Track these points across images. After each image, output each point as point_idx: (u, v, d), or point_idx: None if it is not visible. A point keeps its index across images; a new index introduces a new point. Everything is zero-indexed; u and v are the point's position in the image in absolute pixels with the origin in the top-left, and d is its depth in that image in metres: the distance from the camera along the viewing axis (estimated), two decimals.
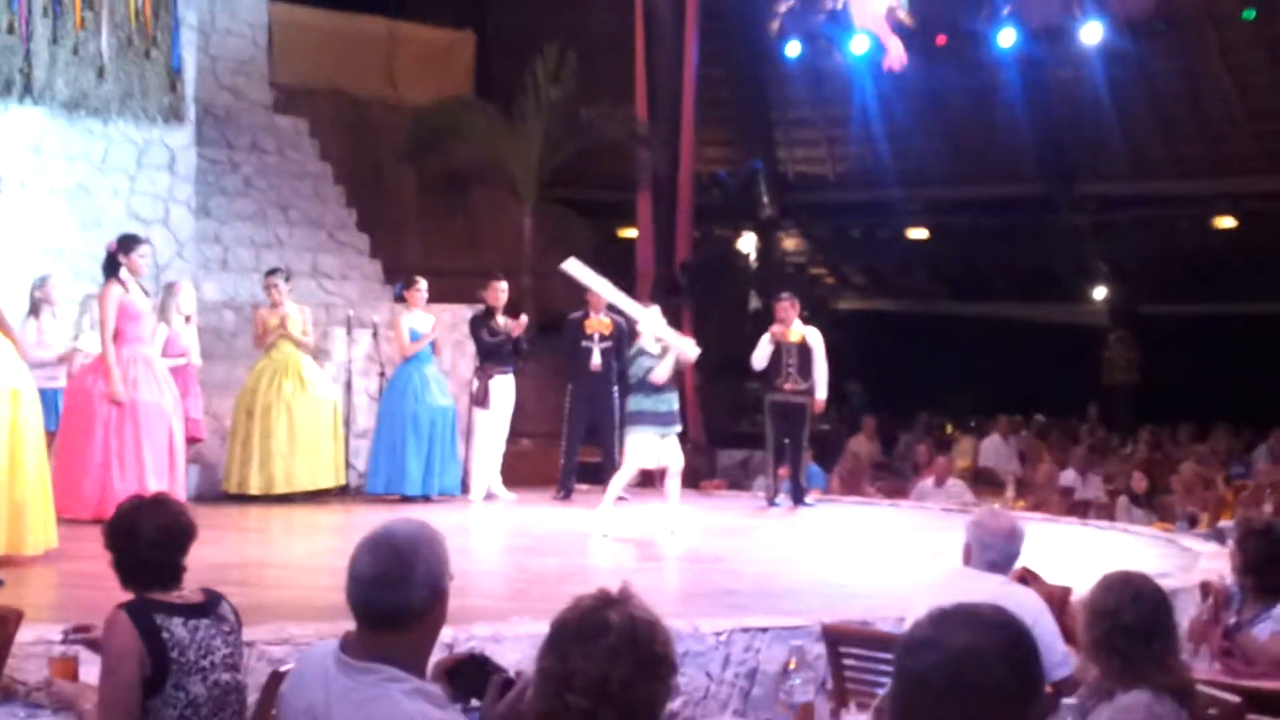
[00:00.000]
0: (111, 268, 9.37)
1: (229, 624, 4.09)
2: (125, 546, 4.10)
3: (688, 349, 9.87)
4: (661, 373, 9.54)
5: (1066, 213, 21.74)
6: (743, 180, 22.22)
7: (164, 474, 9.35)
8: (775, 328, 12.06)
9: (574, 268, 10.34)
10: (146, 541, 4.07)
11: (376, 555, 3.07)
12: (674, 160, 18.12)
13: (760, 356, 11.97)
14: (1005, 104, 21.16)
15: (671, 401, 9.72)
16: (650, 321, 9.83)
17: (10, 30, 12.05)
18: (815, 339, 12.10)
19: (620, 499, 11.62)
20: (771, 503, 12.21)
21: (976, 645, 2.21)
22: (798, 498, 12.12)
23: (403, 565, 3.05)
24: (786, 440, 12.15)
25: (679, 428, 9.85)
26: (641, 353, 9.74)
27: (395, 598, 3.04)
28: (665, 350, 9.63)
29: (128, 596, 4.06)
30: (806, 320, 12.42)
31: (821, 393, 12.06)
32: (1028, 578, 5.54)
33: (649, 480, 12.93)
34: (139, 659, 3.88)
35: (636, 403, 9.72)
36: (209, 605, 4.07)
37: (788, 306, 12.12)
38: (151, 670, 3.89)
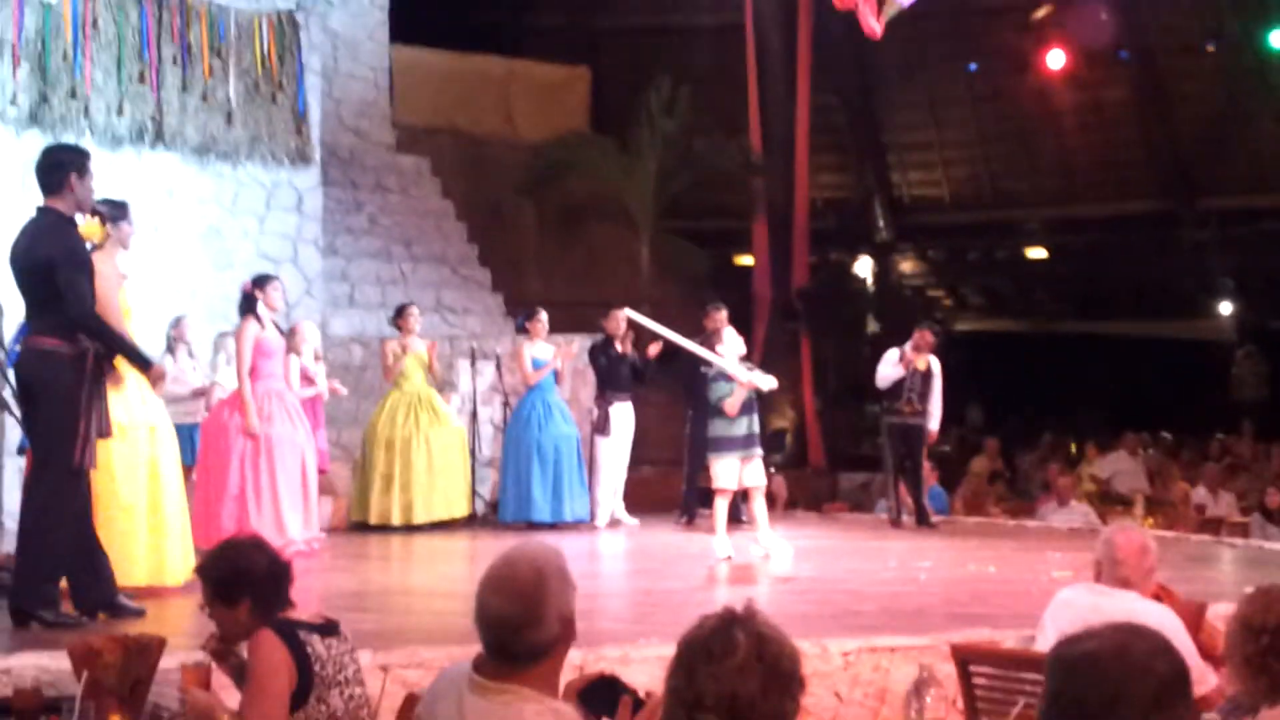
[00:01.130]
0: (248, 305, 9.66)
1: (349, 644, 4.23)
2: (249, 569, 4.23)
3: (762, 383, 9.85)
4: (732, 404, 9.59)
5: (1189, 228, 21.37)
6: (858, 204, 22.20)
7: (298, 506, 9.59)
8: (909, 353, 11.99)
9: (635, 315, 10.46)
10: (270, 571, 4.24)
11: (504, 597, 3.10)
12: (789, 187, 18.17)
13: (887, 376, 11.94)
14: (1123, 120, 20.91)
15: (749, 424, 9.73)
16: (725, 360, 9.86)
17: (141, 79, 12.47)
18: (936, 368, 12.11)
19: (739, 522, 11.70)
20: (895, 524, 12.16)
21: (1133, 643, 2.29)
22: (922, 518, 12.07)
23: (531, 605, 3.08)
24: (907, 462, 12.12)
25: (759, 450, 9.86)
26: (719, 377, 9.79)
27: (528, 637, 3.08)
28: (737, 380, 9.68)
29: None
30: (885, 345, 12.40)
31: (935, 423, 12.09)
32: (1161, 595, 5.48)
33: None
34: (289, 673, 4.01)
35: (715, 428, 9.77)
36: (332, 627, 4.22)
37: (927, 335, 12.09)
38: (298, 684, 4.00)
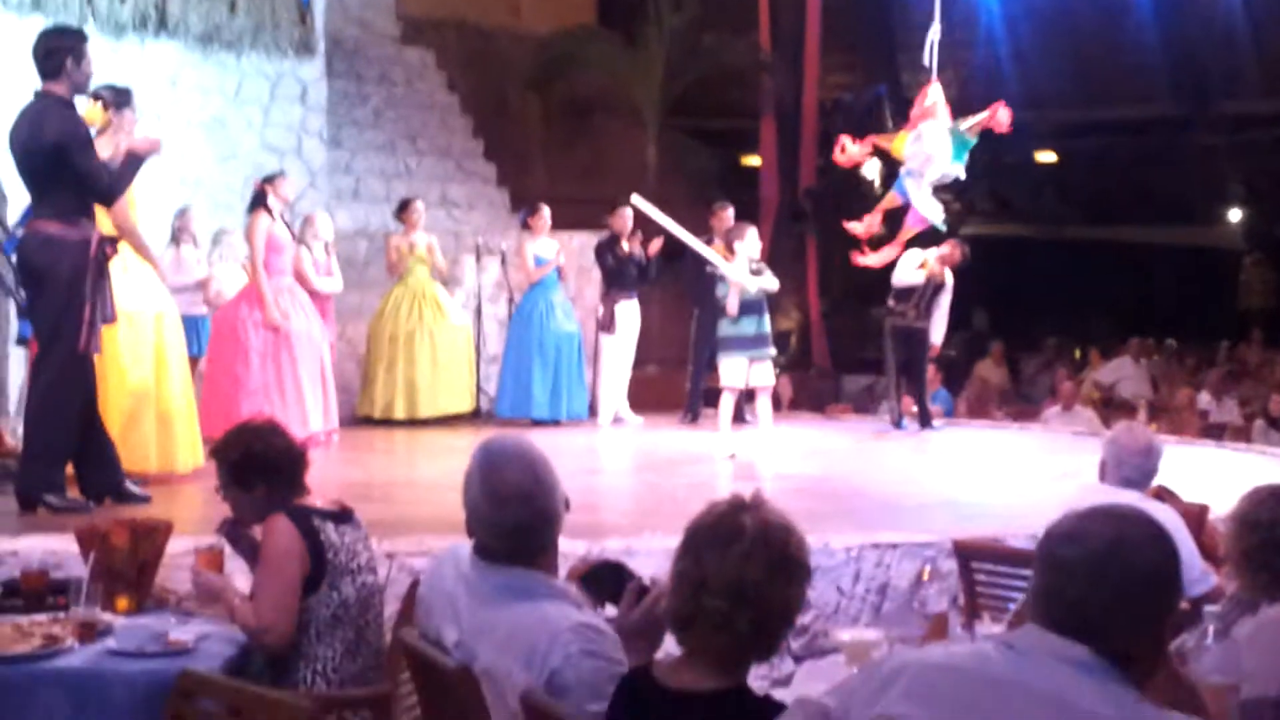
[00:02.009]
0: (258, 200, 9.66)
1: (363, 531, 4.27)
2: (275, 456, 4.26)
3: (751, 283, 9.77)
4: (731, 304, 9.57)
5: (1200, 133, 21.18)
6: (867, 105, 21.94)
7: (319, 398, 9.65)
8: (934, 264, 11.83)
9: (642, 204, 10.38)
10: (291, 453, 4.29)
11: (515, 472, 3.21)
12: (797, 87, 18.01)
13: (905, 281, 11.75)
14: (1135, 22, 20.62)
15: (759, 324, 9.71)
16: (716, 256, 9.79)
17: None
18: (950, 280, 12.01)
19: (743, 421, 11.72)
20: (897, 425, 12.17)
21: (1125, 534, 2.28)
22: (924, 421, 12.07)
23: (544, 506, 3.22)
24: (909, 364, 12.09)
25: (771, 350, 9.84)
26: (723, 279, 9.76)
27: (544, 535, 3.22)
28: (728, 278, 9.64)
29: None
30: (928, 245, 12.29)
31: (938, 336, 12.04)
32: (1164, 495, 5.50)
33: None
34: (301, 559, 4.04)
35: (723, 327, 9.75)
36: (346, 514, 4.25)
37: (959, 254, 11.96)
38: (311, 570, 4.05)
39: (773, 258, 17.58)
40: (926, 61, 9.64)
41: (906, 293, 11.83)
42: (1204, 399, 13.86)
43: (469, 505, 3.27)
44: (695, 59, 17.17)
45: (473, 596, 3.22)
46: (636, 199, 10.46)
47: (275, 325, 9.51)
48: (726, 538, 2.61)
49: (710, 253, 9.83)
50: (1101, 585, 2.24)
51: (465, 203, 14.98)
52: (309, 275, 10.63)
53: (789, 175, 17.98)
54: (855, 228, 10.01)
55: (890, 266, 11.46)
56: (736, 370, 9.69)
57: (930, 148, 9.34)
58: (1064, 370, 15.75)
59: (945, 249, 11.92)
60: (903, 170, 9.58)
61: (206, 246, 11.43)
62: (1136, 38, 20.82)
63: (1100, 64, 21.48)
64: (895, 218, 11.07)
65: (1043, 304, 20.91)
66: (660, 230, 11.04)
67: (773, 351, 9.91)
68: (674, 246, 12.51)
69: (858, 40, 22.51)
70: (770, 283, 9.88)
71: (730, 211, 12.27)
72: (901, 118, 22.49)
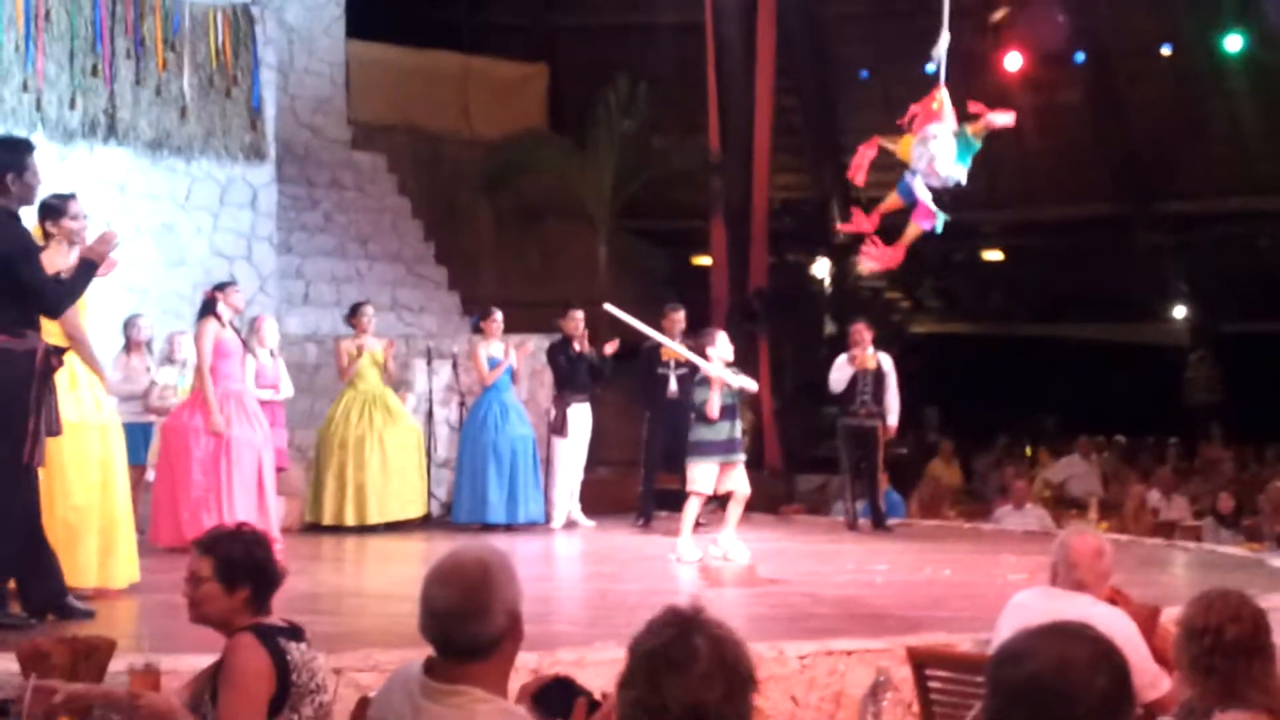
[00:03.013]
0: (208, 307, 9.64)
1: (314, 648, 4.15)
2: (263, 560, 4.15)
3: (734, 380, 9.80)
4: (711, 407, 9.55)
5: (1144, 232, 21.50)
6: (816, 205, 22.21)
7: (253, 510, 9.50)
8: (853, 351, 12.03)
9: (616, 311, 10.48)
10: (268, 570, 4.15)
11: (449, 587, 3.09)
12: (747, 187, 18.14)
13: (839, 379, 11.93)
14: (1080, 123, 21.01)
15: (731, 429, 9.70)
16: (705, 361, 9.80)
17: (94, 72, 12.34)
18: (888, 365, 12.09)
19: (700, 524, 11.66)
20: (850, 526, 12.16)
21: (1072, 656, 2.27)
22: (878, 521, 12.07)
23: (477, 595, 3.08)
24: (862, 465, 12.12)
25: (742, 455, 9.82)
26: (703, 380, 9.76)
27: (473, 628, 3.07)
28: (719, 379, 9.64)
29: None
30: (879, 346, 12.38)
31: (893, 419, 12.07)
32: (1116, 598, 5.49)
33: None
34: (269, 681, 3.92)
35: (696, 432, 9.73)
36: (299, 630, 4.13)
37: (863, 331, 12.10)
38: (275, 692, 3.92)
39: None
40: (934, 69, 9.70)
41: (850, 391, 11.90)
42: (1154, 497, 13.91)
43: None
44: (645, 161, 17.31)
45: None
46: (609, 307, 10.49)
47: (218, 432, 9.43)
48: (682, 661, 2.56)
49: (693, 355, 9.81)
50: (1048, 710, 2.23)
51: (416, 306, 14.97)
52: (250, 384, 10.58)
53: (739, 275, 18.06)
54: (857, 224, 9.95)
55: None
56: (707, 476, 9.64)
57: (936, 147, 9.38)
58: (1013, 468, 15.81)
59: (851, 334, 12.05)
60: (907, 172, 9.61)
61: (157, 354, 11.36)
62: (1079, 137, 21.20)
63: (1046, 164, 21.84)
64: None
65: (992, 402, 21.03)
66: (619, 331, 11.10)
67: (743, 456, 9.87)
68: (626, 348, 12.56)
69: (806, 141, 22.82)
70: (750, 383, 9.89)
71: (682, 313, 12.31)
72: (848, 217, 22.86)
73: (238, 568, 4.12)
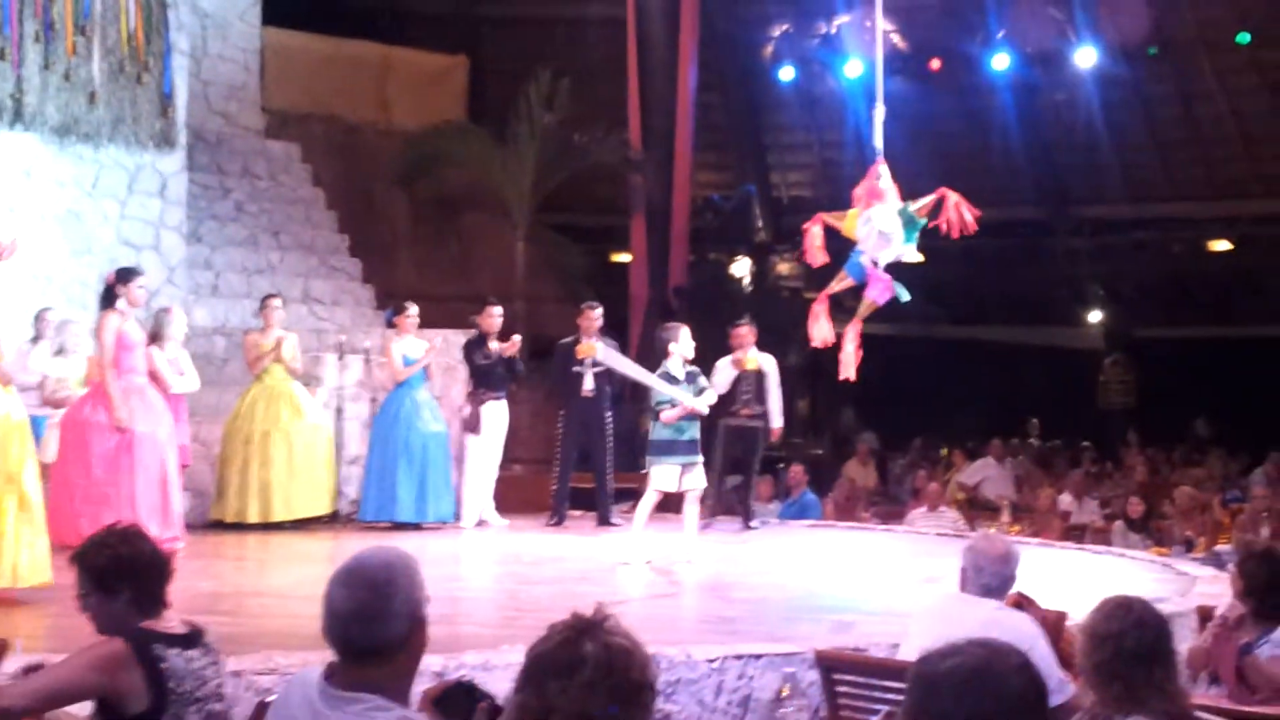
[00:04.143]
0: (109, 298, 9.38)
1: (214, 654, 4.07)
2: (137, 569, 4.05)
3: (710, 400, 9.82)
4: (670, 414, 9.51)
5: (1062, 236, 21.71)
6: (737, 204, 22.20)
7: (156, 507, 9.34)
8: (735, 354, 12.00)
9: (606, 355, 10.58)
10: (152, 566, 4.07)
11: (351, 589, 3.04)
12: (668, 185, 18.11)
13: (723, 382, 11.84)
14: (1000, 128, 21.16)
15: (693, 429, 9.66)
16: (688, 396, 9.69)
17: (1, 56, 12.04)
18: (770, 366, 12.08)
19: (616, 524, 11.64)
20: (707, 523, 12.24)
21: (992, 658, 2.35)
22: (746, 519, 12.07)
23: (379, 598, 3.02)
24: (741, 464, 12.12)
25: (700, 457, 9.76)
26: (664, 380, 9.67)
27: (374, 631, 3.02)
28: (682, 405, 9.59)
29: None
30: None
31: (777, 420, 12.09)
32: (1023, 603, 5.51)
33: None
34: (133, 690, 3.83)
35: (659, 431, 9.64)
36: (195, 636, 4.04)
37: (745, 333, 12.05)
38: (150, 703, 3.83)
39: (642, 354, 17.66)
40: (875, 140, 9.65)
41: (732, 393, 11.87)
42: (1065, 500, 14.01)
43: None
44: (566, 156, 17.19)
45: None
46: (600, 345, 10.37)
47: (121, 427, 9.21)
48: (569, 667, 2.51)
49: (676, 392, 9.67)
50: (968, 703, 2.29)
51: (329, 299, 14.74)
52: (163, 374, 10.34)
53: (659, 273, 18.02)
54: (817, 334, 9.88)
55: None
56: (670, 476, 9.57)
57: (882, 228, 9.34)
58: (926, 471, 15.87)
59: (734, 337, 12.04)
60: (855, 251, 9.56)
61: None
62: (1001, 142, 21.36)
63: (965, 167, 21.96)
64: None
65: (910, 403, 21.12)
66: (520, 329, 11.06)
67: (702, 457, 9.81)
68: (541, 346, 12.47)
69: (728, 139, 22.83)
70: (712, 397, 9.92)
71: (599, 311, 12.25)
72: (771, 216, 22.91)
73: (109, 574, 4.04)
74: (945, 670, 2.32)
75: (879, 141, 9.52)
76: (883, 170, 9.42)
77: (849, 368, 9.59)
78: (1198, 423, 20.40)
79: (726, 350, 12.09)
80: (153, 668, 3.85)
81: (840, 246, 9.64)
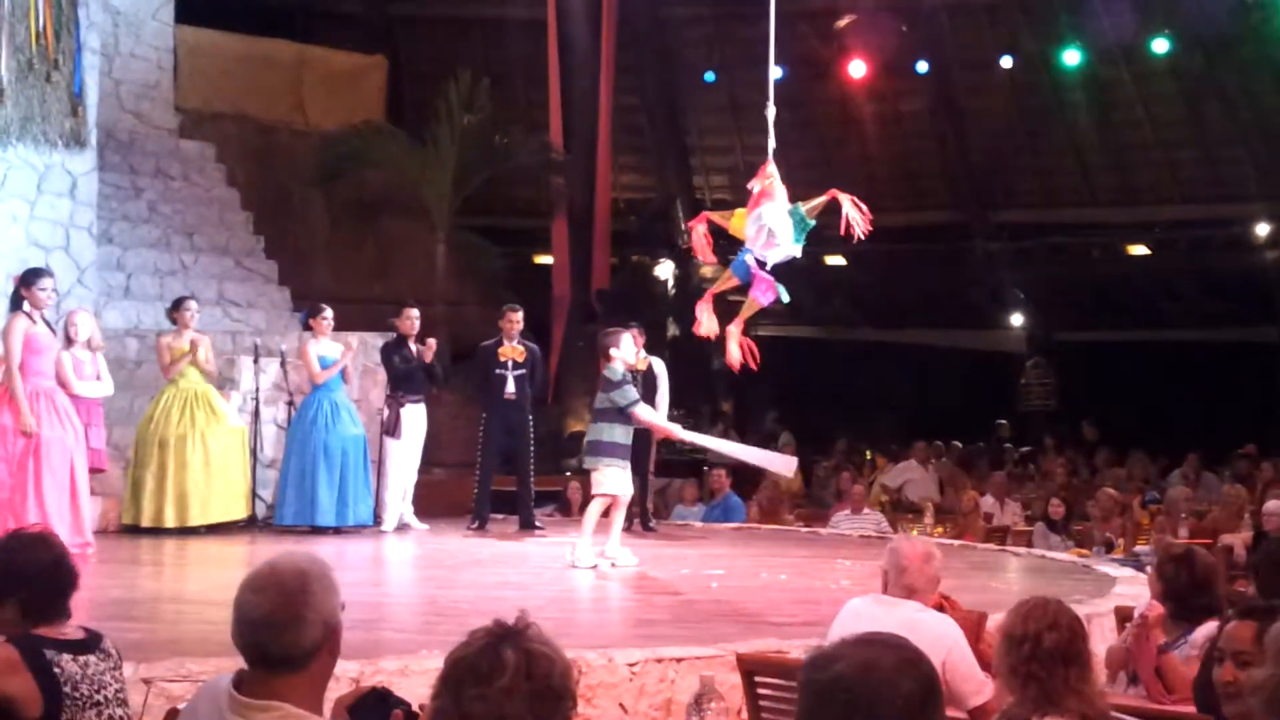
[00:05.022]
0: (16, 302, 9.27)
1: (114, 660, 3.99)
2: (30, 576, 3.94)
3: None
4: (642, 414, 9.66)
5: (982, 240, 21.86)
6: (660, 205, 22.20)
7: (65, 512, 9.23)
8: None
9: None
10: (48, 575, 3.95)
11: (264, 596, 2.97)
12: (589, 187, 18.06)
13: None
14: (920, 131, 21.29)
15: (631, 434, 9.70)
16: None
17: None
18: (660, 368, 12.09)
19: (539, 528, 11.53)
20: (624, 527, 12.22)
21: (880, 660, 2.31)
22: (645, 522, 12.08)
23: (292, 605, 2.96)
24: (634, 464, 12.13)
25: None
26: (625, 380, 9.63)
27: (286, 639, 2.95)
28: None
29: None
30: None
31: (662, 421, 12.05)
32: (944, 604, 5.54)
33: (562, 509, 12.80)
34: (25, 696, 3.73)
35: (613, 434, 9.58)
36: (92, 641, 3.96)
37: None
38: (44, 709, 3.74)
39: (564, 357, 17.60)
40: (769, 139, 9.61)
41: None
42: (988, 502, 14.08)
43: None
44: (487, 158, 17.07)
45: None
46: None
47: (28, 432, 9.03)
48: (487, 673, 2.48)
49: (671, 426, 9.64)
50: (854, 711, 2.26)
51: (244, 301, 14.56)
52: (69, 379, 10.14)
53: (581, 275, 17.95)
54: (704, 328, 9.85)
55: None
56: (622, 479, 9.57)
57: (772, 224, 9.27)
58: (850, 473, 15.89)
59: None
60: (742, 250, 9.50)
61: None
62: (922, 146, 21.50)
63: (887, 171, 22.10)
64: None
65: (833, 406, 21.19)
66: (437, 336, 11.02)
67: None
68: (462, 349, 12.34)
69: (651, 142, 22.81)
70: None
71: (520, 314, 12.18)
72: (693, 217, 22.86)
73: (1, 579, 3.94)
74: (832, 677, 2.28)
75: (771, 141, 9.48)
76: (773, 170, 9.38)
77: (734, 360, 9.59)
78: (1084, 425, 20.62)
79: (651, 352, 12.04)
80: (45, 672, 3.76)
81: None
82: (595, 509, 9.62)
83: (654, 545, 11.36)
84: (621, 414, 9.62)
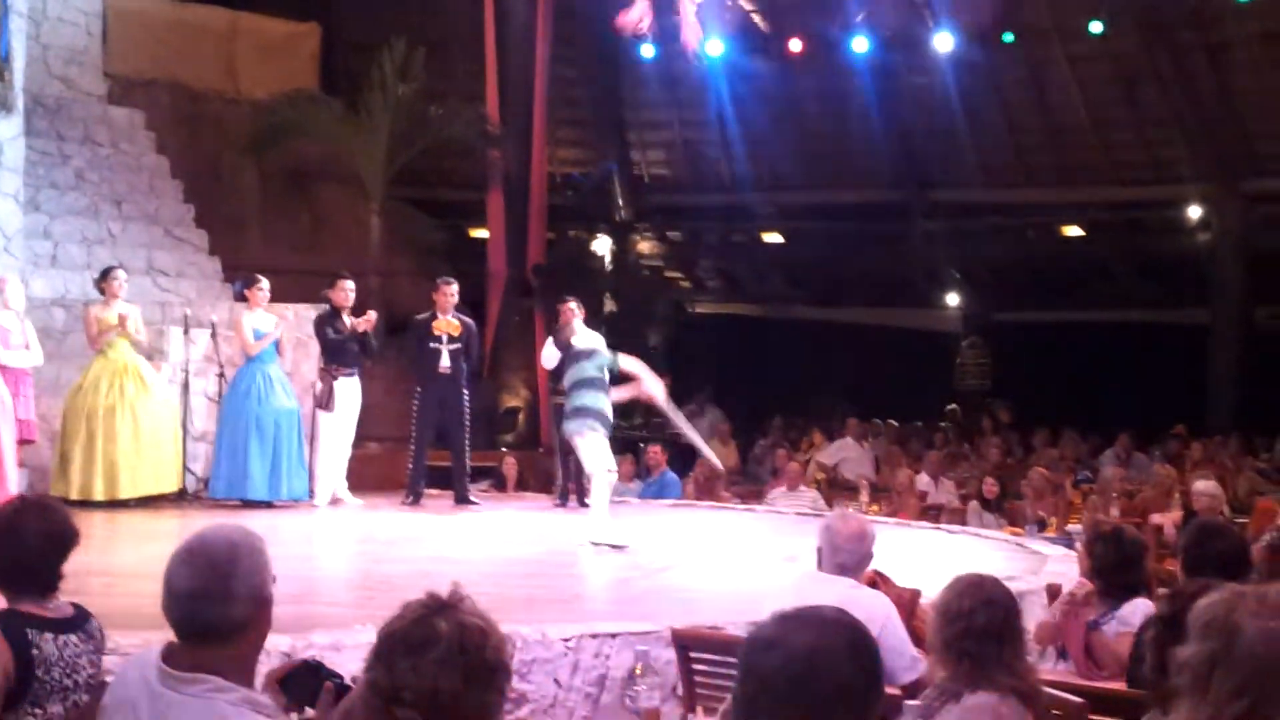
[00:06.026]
0: None
1: (95, 642, 3.96)
2: (6, 550, 3.90)
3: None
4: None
5: (920, 219, 21.93)
6: (597, 182, 22.09)
7: None
8: (562, 331, 11.85)
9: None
10: (31, 546, 3.91)
11: (193, 568, 2.95)
12: (526, 160, 17.92)
13: (550, 357, 11.66)
14: (859, 110, 21.30)
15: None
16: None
17: None
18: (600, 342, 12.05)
19: (474, 503, 11.47)
20: (560, 505, 12.20)
21: (821, 644, 2.27)
22: (582, 498, 12.01)
23: (221, 577, 2.94)
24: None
25: None
26: (595, 352, 9.61)
27: (215, 611, 2.93)
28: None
29: None
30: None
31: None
32: (878, 581, 5.58)
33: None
34: (4, 672, 3.71)
35: (595, 400, 9.51)
36: (78, 621, 3.93)
37: (571, 310, 11.80)
38: (14, 686, 3.72)
39: (500, 333, 17.49)
40: None
41: (558, 372, 11.76)
42: (923, 480, 14.14)
43: None
44: (421, 129, 16.90)
45: (154, 711, 2.96)
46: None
47: None
48: (420, 644, 2.50)
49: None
50: (797, 697, 2.23)
51: (174, 271, 14.40)
52: None
53: (517, 249, 17.82)
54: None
55: None
56: (608, 450, 9.52)
57: None
58: (785, 451, 15.91)
59: (562, 313, 11.97)
60: None
61: None
62: (861, 125, 21.51)
63: (826, 149, 22.11)
64: None
65: (769, 383, 21.22)
66: (372, 308, 10.97)
67: None
68: (396, 322, 12.22)
69: (588, 117, 22.69)
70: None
71: (455, 287, 12.08)
72: (632, 195, 22.83)
73: None
74: (774, 665, 2.25)
75: None
76: None
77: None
78: (996, 405, 20.77)
79: (588, 328, 11.95)
80: (22, 653, 3.74)
81: None
82: (599, 490, 9.50)
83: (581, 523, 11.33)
84: (600, 383, 9.54)
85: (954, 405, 21.35)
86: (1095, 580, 5.60)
